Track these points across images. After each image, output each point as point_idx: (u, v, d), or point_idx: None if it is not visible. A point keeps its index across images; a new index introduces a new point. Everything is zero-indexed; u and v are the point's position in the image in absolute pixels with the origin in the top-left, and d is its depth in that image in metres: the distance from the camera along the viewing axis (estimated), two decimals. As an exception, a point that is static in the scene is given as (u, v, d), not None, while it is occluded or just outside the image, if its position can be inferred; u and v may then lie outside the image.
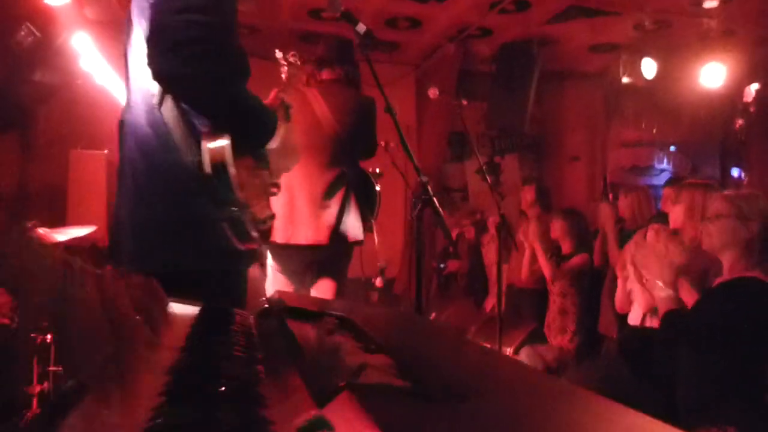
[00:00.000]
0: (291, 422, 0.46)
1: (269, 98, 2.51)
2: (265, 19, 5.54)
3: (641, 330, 3.56)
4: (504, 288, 5.43)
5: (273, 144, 1.76)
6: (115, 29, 5.38)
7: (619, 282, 3.95)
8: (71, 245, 4.66)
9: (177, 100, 1.61)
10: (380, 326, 1.06)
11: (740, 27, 5.64)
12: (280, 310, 1.06)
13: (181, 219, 1.63)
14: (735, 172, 8.16)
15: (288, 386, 0.62)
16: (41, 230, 4.04)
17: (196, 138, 1.60)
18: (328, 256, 3.03)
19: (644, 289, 3.61)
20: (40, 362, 3.33)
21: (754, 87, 6.38)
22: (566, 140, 7.47)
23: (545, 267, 4.52)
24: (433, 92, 3.70)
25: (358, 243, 3.19)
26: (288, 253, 2.98)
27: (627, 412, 0.53)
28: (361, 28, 2.24)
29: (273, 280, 3.05)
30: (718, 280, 2.49)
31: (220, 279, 1.66)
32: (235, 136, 1.61)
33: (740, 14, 5.34)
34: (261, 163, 1.81)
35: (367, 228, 3.14)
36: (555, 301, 4.58)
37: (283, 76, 2.44)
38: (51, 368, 3.50)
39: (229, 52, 1.59)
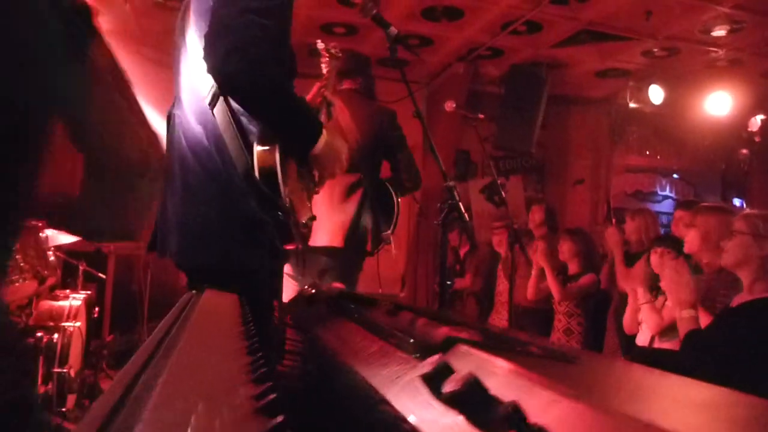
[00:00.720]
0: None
1: (311, 92, 2.52)
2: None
3: (651, 351, 3.55)
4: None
5: (318, 149, 1.74)
6: (129, 39, 5.42)
7: (629, 303, 3.95)
8: (75, 249, 4.65)
9: (229, 102, 1.63)
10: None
11: (747, 57, 5.71)
12: (333, 297, 1.05)
13: (228, 218, 1.65)
14: (737, 202, 8.21)
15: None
16: (48, 232, 4.03)
17: (246, 140, 1.63)
18: (342, 262, 3.02)
19: (654, 311, 3.62)
20: (45, 363, 3.30)
21: (760, 117, 6.45)
22: (570, 164, 7.51)
23: (553, 286, 4.51)
24: (449, 105, 3.72)
25: (369, 253, 3.18)
26: (302, 257, 2.97)
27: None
28: (393, 31, 2.26)
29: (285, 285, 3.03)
30: (737, 300, 2.49)
31: (263, 278, 1.68)
32: (284, 139, 1.64)
33: (747, 45, 5.41)
34: (306, 168, 1.83)
35: (384, 239, 3.13)
36: (561, 320, 4.58)
37: (324, 68, 2.41)
38: (55, 369, 3.47)
39: (284, 54, 1.63)
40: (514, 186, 7.68)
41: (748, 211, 2.56)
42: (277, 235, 1.66)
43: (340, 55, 2.43)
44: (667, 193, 8.00)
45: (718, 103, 6.11)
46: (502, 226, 6.21)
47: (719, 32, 5.20)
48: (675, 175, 7.92)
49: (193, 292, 1.18)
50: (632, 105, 6.23)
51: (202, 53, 1.55)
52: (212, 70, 1.53)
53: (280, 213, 1.66)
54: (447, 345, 0.48)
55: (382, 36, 5.78)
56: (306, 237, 1.84)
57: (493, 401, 0.38)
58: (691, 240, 3.32)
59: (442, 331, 0.51)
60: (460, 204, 2.20)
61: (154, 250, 1.76)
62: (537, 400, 0.39)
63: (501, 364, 0.44)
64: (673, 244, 3.61)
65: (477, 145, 7.35)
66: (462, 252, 6.30)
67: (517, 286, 5.38)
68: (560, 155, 7.60)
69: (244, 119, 1.64)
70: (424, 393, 0.42)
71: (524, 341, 0.64)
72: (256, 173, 1.60)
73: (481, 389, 0.39)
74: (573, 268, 4.68)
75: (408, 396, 0.44)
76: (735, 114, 6.26)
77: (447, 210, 2.14)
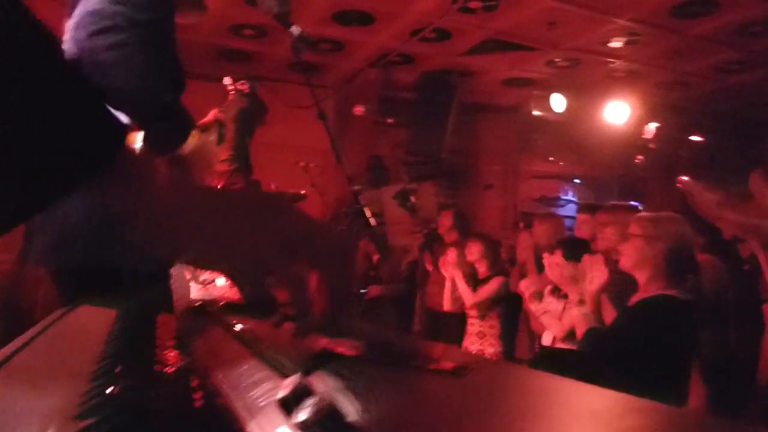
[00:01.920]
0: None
1: (208, 117, 2.44)
2: (186, 34, 5.37)
3: (552, 350, 3.64)
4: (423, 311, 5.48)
5: (184, 150, 1.73)
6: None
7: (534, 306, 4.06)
8: None
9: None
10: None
11: (643, 69, 6.04)
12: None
13: (96, 220, 1.58)
14: (633, 204, 8.66)
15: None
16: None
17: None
18: None
19: (554, 317, 3.75)
20: None
21: (654, 125, 6.82)
22: (481, 170, 7.67)
23: (465, 293, 4.56)
24: (358, 109, 3.68)
25: None
26: None
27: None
28: (296, 30, 2.19)
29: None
30: (634, 298, 2.58)
31: (143, 277, 1.60)
32: (149, 134, 1.57)
33: (643, 57, 5.72)
34: (174, 167, 1.77)
35: None
36: (473, 324, 4.62)
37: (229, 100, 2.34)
38: None
39: (154, 51, 1.58)
40: (426, 191, 7.77)
41: (640, 214, 2.66)
42: None
43: (248, 91, 2.36)
44: (569, 197, 8.33)
45: (616, 112, 6.42)
46: (418, 232, 6.26)
47: (616, 43, 5.45)
48: (576, 181, 8.27)
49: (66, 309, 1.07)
50: (537, 113, 6.43)
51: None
52: (75, 49, 1.49)
53: None
54: (316, 362, 0.42)
55: (289, 36, 5.71)
56: None
57: (349, 429, 0.33)
58: (606, 237, 3.44)
59: (318, 345, 0.45)
60: (366, 209, 2.15)
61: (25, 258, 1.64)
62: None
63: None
64: (575, 246, 3.73)
65: (390, 151, 7.40)
66: (375, 258, 6.27)
67: (429, 292, 5.43)
68: (472, 161, 7.75)
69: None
70: (280, 420, 0.36)
71: (412, 352, 0.59)
72: None
73: (336, 416, 0.34)
74: (482, 270, 4.74)
75: (267, 423, 0.39)
76: (632, 122, 6.60)
77: (353, 214, 2.09)
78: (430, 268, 5.59)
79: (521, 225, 6.29)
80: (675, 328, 2.26)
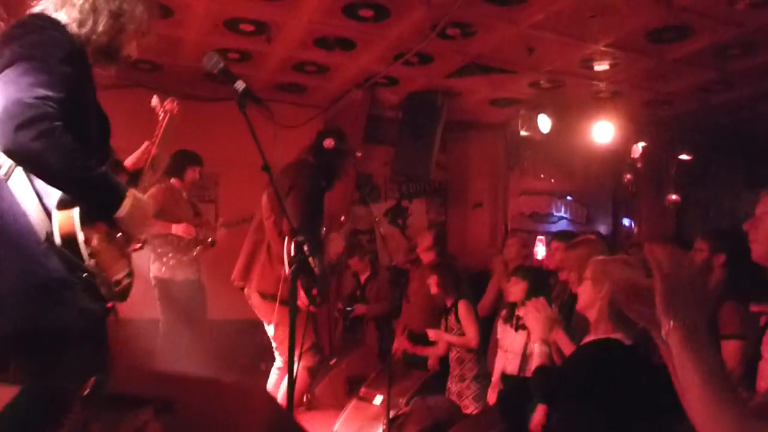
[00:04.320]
0: None
1: (140, 150, 2.46)
2: (167, 57, 5.45)
3: (518, 378, 3.68)
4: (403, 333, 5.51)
5: (122, 212, 1.81)
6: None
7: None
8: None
9: (27, 172, 1.69)
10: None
11: (627, 89, 6.06)
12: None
13: (27, 282, 1.69)
14: (626, 221, 8.67)
15: None
16: None
17: (46, 208, 1.70)
18: None
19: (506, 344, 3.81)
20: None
21: (641, 145, 6.83)
22: (470, 187, 7.71)
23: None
24: (328, 143, 3.73)
25: None
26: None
27: None
28: (240, 85, 2.24)
29: None
30: (586, 339, 2.62)
31: (74, 339, 1.71)
32: (84, 205, 1.71)
33: (625, 78, 5.74)
34: (115, 228, 1.87)
35: None
36: (452, 350, 4.65)
37: (159, 126, 2.35)
38: None
39: (81, 123, 1.73)
40: (417, 209, 7.82)
41: (596, 258, 2.70)
42: (84, 296, 1.70)
43: (176, 112, 2.38)
44: (562, 214, 8.34)
45: (603, 132, 6.44)
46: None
47: (601, 67, 5.47)
48: (569, 197, 8.28)
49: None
50: (524, 133, 6.46)
51: None
52: (4, 147, 1.55)
53: (84, 274, 1.70)
54: None
55: (277, 61, 5.79)
56: (123, 295, 1.86)
57: None
58: (569, 272, 3.49)
59: None
60: (310, 258, 2.20)
61: None
62: None
63: None
64: (532, 273, 3.80)
65: (380, 169, 7.45)
66: (363, 278, 6.32)
67: (411, 313, 5.47)
68: (461, 179, 7.79)
69: (43, 185, 1.69)
70: None
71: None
72: (57, 237, 1.66)
73: None
74: (448, 300, 4.73)
75: None
76: (619, 141, 6.61)
77: (296, 265, 2.12)
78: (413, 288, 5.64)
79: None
80: (614, 372, 2.29)
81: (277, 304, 3.43)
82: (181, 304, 4.91)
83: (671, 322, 1.07)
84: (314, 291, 3.30)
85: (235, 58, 5.58)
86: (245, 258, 3.82)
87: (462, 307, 4.53)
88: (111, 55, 1.96)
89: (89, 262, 1.70)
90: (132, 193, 1.86)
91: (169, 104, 2.43)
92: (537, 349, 2.75)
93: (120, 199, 1.81)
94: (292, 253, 3.14)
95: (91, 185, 1.72)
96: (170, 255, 4.85)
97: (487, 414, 3.63)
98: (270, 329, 3.72)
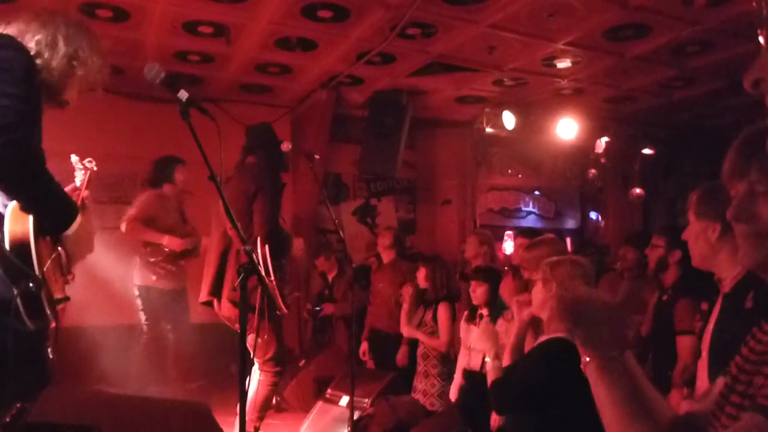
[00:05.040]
0: None
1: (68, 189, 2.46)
2: (128, 59, 5.38)
3: (479, 374, 3.69)
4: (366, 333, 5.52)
5: (71, 230, 1.84)
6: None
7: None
8: None
9: None
10: None
11: (588, 86, 6.12)
12: None
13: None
14: (593, 215, 8.79)
15: None
16: None
17: None
18: None
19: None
20: None
21: (604, 140, 6.92)
22: (439, 184, 7.74)
23: (403, 319, 4.60)
24: (286, 146, 3.72)
25: None
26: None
27: None
28: (183, 95, 2.21)
29: None
30: (538, 340, 2.65)
31: (10, 362, 1.68)
32: (40, 216, 1.72)
33: (586, 76, 5.79)
34: (59, 247, 1.88)
35: None
36: (420, 346, 4.66)
37: (79, 180, 2.29)
38: None
39: (33, 139, 1.72)
40: (386, 207, 7.84)
41: (547, 260, 2.73)
42: (26, 311, 1.68)
43: (95, 168, 2.32)
44: (530, 209, 8.43)
45: (567, 128, 6.50)
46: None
47: (563, 64, 5.51)
48: (537, 192, 8.36)
49: None
50: (489, 130, 6.50)
51: None
52: None
53: (31, 284, 1.68)
54: None
55: (239, 62, 5.74)
56: (56, 315, 1.82)
57: None
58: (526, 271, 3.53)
59: None
60: (260, 267, 2.19)
61: None
62: None
63: None
64: (486, 273, 3.84)
65: (348, 168, 7.44)
66: (330, 277, 6.31)
67: (374, 312, 5.48)
68: (430, 176, 7.82)
69: None
70: None
71: None
72: (6, 242, 1.66)
73: None
74: (430, 293, 4.76)
75: None
76: (583, 137, 6.68)
77: (244, 275, 2.10)
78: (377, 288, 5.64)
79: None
80: (563, 370, 2.32)
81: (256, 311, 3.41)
82: (164, 312, 4.88)
83: (586, 358, 1.19)
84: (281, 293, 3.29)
85: (197, 60, 5.53)
86: (213, 272, 3.67)
87: (441, 308, 4.50)
88: (52, 94, 1.96)
89: (37, 273, 1.69)
90: (80, 214, 1.88)
91: (88, 162, 2.39)
92: (489, 365, 2.78)
93: (73, 215, 1.84)
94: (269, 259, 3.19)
95: (51, 197, 1.75)
96: (160, 265, 4.82)
97: (449, 412, 3.66)
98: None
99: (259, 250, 3.33)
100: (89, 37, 2.01)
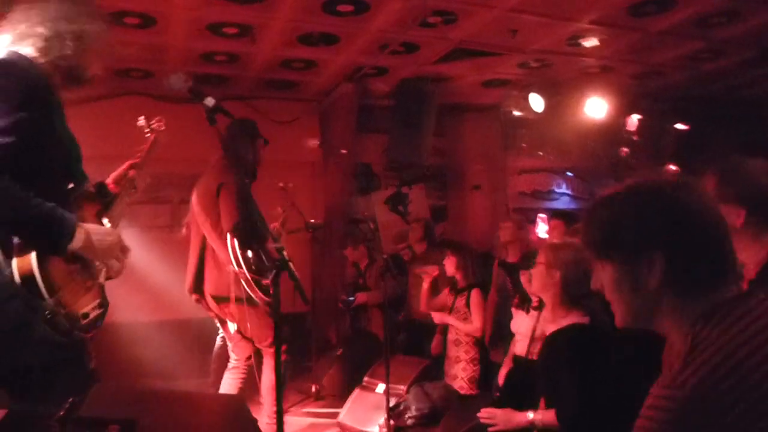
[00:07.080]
0: None
1: (122, 168, 2.52)
2: (157, 63, 5.52)
3: (525, 360, 3.72)
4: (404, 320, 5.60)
5: (77, 244, 1.81)
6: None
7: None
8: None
9: None
10: None
11: (615, 63, 6.03)
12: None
13: None
14: (628, 194, 8.64)
15: None
16: None
17: (5, 251, 1.75)
18: None
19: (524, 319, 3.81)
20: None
21: (637, 117, 6.80)
22: (468, 169, 7.72)
23: (423, 299, 4.68)
24: (209, 101, 3.76)
25: None
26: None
27: None
28: (210, 101, 2.28)
29: None
30: (550, 329, 2.67)
31: (44, 369, 1.76)
32: (32, 243, 1.75)
33: (612, 53, 5.71)
34: (76, 262, 1.90)
35: None
36: (451, 332, 4.72)
37: (146, 145, 2.37)
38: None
39: (34, 163, 1.76)
40: (418, 195, 7.86)
41: (549, 242, 2.76)
42: (46, 329, 1.75)
43: (163, 128, 2.41)
44: (563, 190, 8.35)
45: (595, 107, 6.42)
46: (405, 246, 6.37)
47: (590, 43, 5.43)
48: (569, 173, 8.27)
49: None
50: (517, 113, 6.47)
51: None
52: None
53: (47, 312, 1.75)
54: None
55: (264, 60, 5.82)
56: (92, 326, 1.91)
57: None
58: None
59: None
60: (290, 263, 2.26)
61: None
62: None
63: None
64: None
65: (378, 157, 7.49)
66: (362, 266, 6.39)
67: (414, 302, 5.54)
68: (459, 162, 7.81)
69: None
70: None
71: None
72: (17, 278, 1.71)
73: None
74: (460, 281, 4.81)
75: None
76: (613, 115, 6.59)
77: (276, 271, 2.18)
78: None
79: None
80: (586, 357, 2.34)
81: (232, 303, 3.49)
82: None
83: None
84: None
85: (223, 60, 5.64)
86: (194, 268, 3.73)
87: (475, 294, 4.57)
88: (79, 77, 1.98)
89: (49, 301, 1.74)
90: (82, 225, 1.85)
91: (156, 123, 2.45)
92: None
93: (69, 233, 1.79)
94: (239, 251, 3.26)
95: (31, 223, 1.73)
96: None
97: (483, 396, 3.71)
98: (232, 327, 3.73)
99: (229, 243, 3.42)
100: (83, 5, 1.97)
